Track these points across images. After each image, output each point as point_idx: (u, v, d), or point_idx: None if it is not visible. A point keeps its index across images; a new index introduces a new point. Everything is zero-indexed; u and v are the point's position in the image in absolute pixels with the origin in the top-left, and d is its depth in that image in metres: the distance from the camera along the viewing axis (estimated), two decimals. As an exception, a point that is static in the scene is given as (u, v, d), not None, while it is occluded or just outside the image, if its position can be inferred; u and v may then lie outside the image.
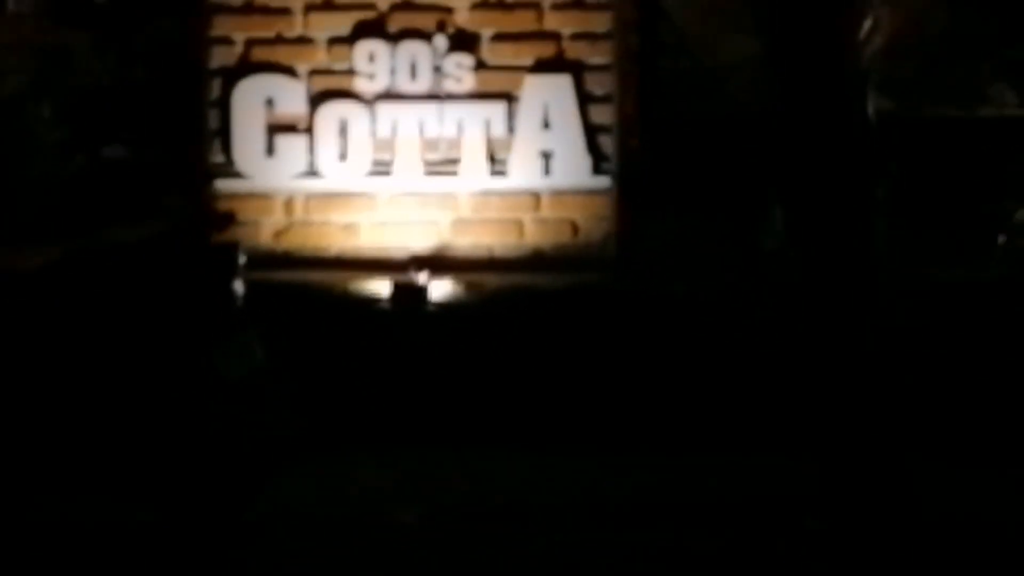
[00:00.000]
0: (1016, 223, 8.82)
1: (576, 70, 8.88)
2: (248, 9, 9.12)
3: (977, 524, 6.59)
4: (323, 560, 6.29)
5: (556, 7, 8.94)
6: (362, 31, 8.88)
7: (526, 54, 8.85)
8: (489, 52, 8.82)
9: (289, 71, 8.93)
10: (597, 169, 8.86)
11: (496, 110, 8.81)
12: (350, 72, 8.91)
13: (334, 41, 8.89)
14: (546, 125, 8.84)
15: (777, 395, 7.44)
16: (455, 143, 8.85)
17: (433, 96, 8.82)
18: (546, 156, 8.84)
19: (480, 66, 8.82)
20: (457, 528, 6.72)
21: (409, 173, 8.91)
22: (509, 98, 8.80)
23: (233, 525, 6.40)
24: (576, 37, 8.88)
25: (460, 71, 8.82)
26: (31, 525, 6.40)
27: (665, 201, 9.42)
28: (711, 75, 11.57)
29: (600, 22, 9.06)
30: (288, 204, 8.92)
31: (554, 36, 8.85)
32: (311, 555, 6.32)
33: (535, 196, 8.89)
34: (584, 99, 8.85)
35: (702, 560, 6.23)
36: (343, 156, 8.95)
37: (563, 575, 6.23)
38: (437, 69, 8.84)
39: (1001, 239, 8.85)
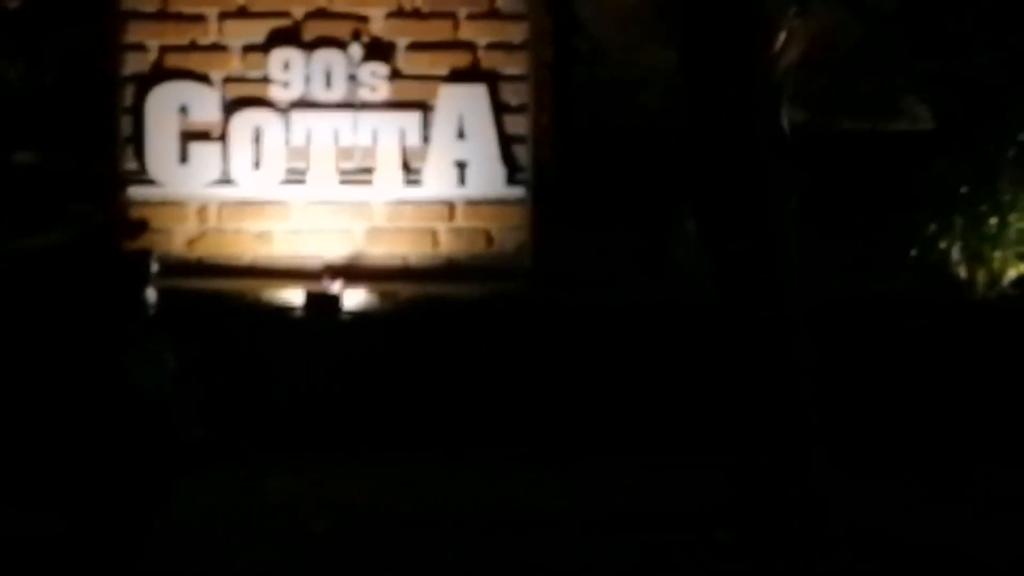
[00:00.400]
0: (928, 236, 8.97)
1: (491, 80, 9.03)
2: (162, 16, 9.20)
3: (881, 535, 6.68)
4: (233, 570, 6.23)
5: (472, 17, 9.10)
6: (277, 39, 8.98)
7: (442, 64, 8.98)
8: (404, 61, 8.97)
9: (203, 78, 9.01)
10: (512, 179, 9.01)
11: (411, 120, 8.93)
12: (265, 80, 9.03)
13: (248, 49, 8.98)
14: (461, 135, 9.00)
15: (687, 404, 7.82)
16: (370, 152, 8.98)
17: (348, 105, 8.96)
18: (461, 166, 9.01)
19: (395, 75, 8.96)
20: (366, 538, 6.68)
21: (323, 182, 9.03)
22: (424, 108, 8.94)
23: (143, 534, 6.15)
24: (491, 47, 9.02)
25: (375, 80, 8.94)
26: None
27: (580, 212, 9.59)
28: (626, 87, 11.62)
29: (516, 32, 9.20)
30: (201, 212, 9.02)
31: (469, 46, 9.00)
32: (221, 564, 6.26)
33: (449, 206, 9.03)
34: (499, 109, 9.01)
35: (612, 570, 6.24)
36: (257, 164, 9.04)
37: None
38: (352, 78, 8.96)
39: (913, 252, 8.97)
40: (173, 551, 6.24)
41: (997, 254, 8.87)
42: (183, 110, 8.99)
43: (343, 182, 9.06)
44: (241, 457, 7.37)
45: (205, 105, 9.01)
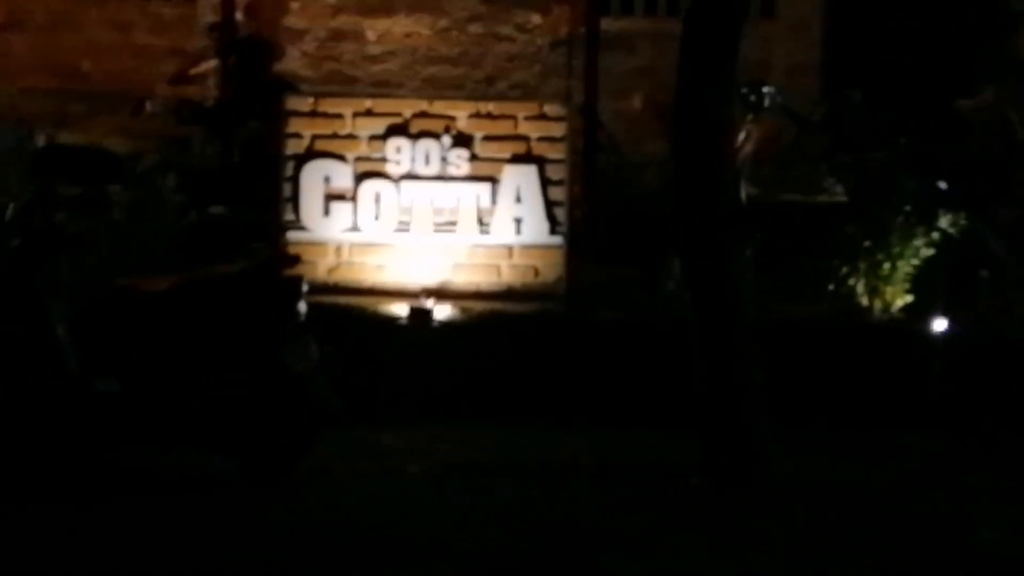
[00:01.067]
0: (840, 276, 9.40)
1: (540, 163, 9.53)
2: (313, 114, 9.75)
3: (806, 477, 7.47)
4: (354, 497, 6.95)
5: (527, 118, 9.66)
6: (392, 131, 9.51)
7: (506, 150, 9.50)
8: (480, 148, 9.48)
9: (341, 158, 9.52)
10: (553, 231, 9.56)
11: (484, 189, 9.49)
12: (383, 159, 9.53)
13: (372, 137, 9.50)
14: (518, 200, 9.53)
15: (672, 390, 8.03)
16: (455, 210, 9.52)
17: (440, 177, 9.46)
18: (518, 221, 9.54)
19: (473, 158, 9.48)
20: (445, 477, 7.41)
21: (422, 230, 9.57)
22: (493, 180, 9.49)
23: (289, 470, 7.16)
24: (540, 139, 9.55)
25: (459, 161, 9.45)
26: (158, 469, 7.21)
27: (599, 254, 10.31)
28: (633, 167, 12.45)
29: (557, 129, 9.73)
30: (337, 250, 9.55)
31: (525, 138, 9.56)
32: (344, 492, 7.00)
33: (509, 249, 9.60)
34: (545, 182, 9.51)
35: (621, 505, 6.85)
36: (376, 217, 9.56)
37: (516, 511, 6.76)
38: (443, 159, 9.47)
39: (831, 287, 9.45)
40: (312, 483, 7.08)
41: (889, 289, 9.24)
42: (326, 179, 9.51)
43: (436, 231, 9.57)
44: (361, 421, 7.71)
45: (341, 176, 9.52)
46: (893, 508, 7.03)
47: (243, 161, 10.48)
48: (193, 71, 13.93)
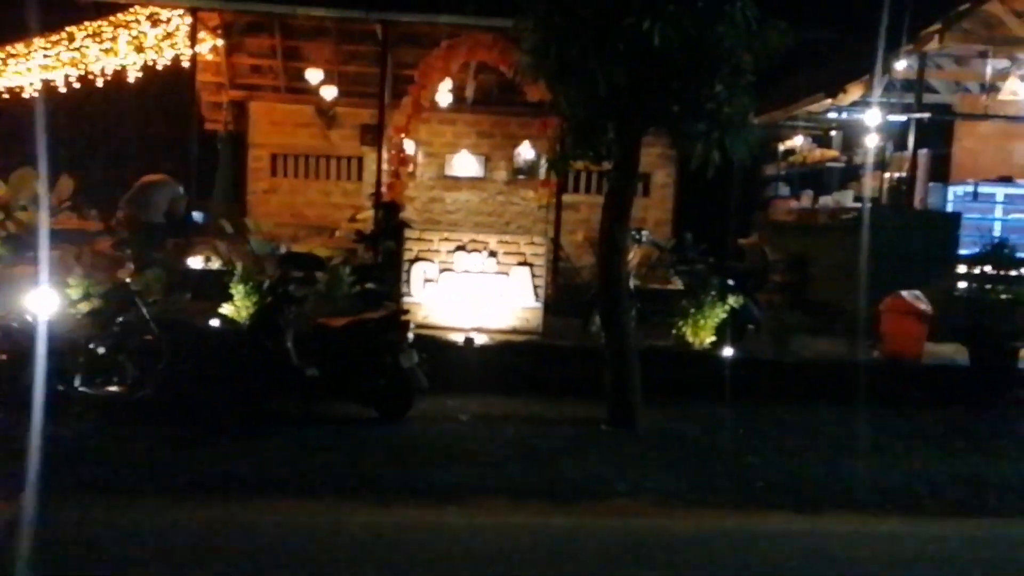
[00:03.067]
0: (679, 326, 9.09)
1: (531, 266, 9.36)
2: (418, 239, 9.52)
3: (662, 428, 7.33)
4: (432, 429, 7.03)
5: (525, 244, 9.49)
6: (457, 249, 9.31)
7: (514, 260, 9.32)
8: (501, 258, 9.29)
9: (431, 261, 9.32)
10: (536, 300, 9.32)
11: (503, 279, 9.30)
12: (452, 263, 9.29)
13: (447, 252, 9.33)
14: (519, 284, 9.31)
15: (591, 375, 7.67)
16: (488, 289, 9.27)
17: (481, 272, 9.28)
18: (519, 295, 9.31)
19: (497, 263, 9.30)
20: (478, 421, 7.38)
21: (471, 298, 9.26)
22: (507, 274, 9.30)
23: (404, 417, 7.22)
24: (531, 254, 9.38)
25: (491, 264, 9.28)
26: (338, 414, 7.31)
27: (559, 312, 9.99)
28: (576, 270, 12.58)
29: (540, 249, 9.57)
30: (427, 307, 9.28)
31: (523, 254, 9.34)
32: (428, 427, 7.06)
33: (514, 309, 9.30)
34: (533, 276, 9.32)
35: (565, 436, 6.95)
36: (448, 292, 9.31)
37: (511, 438, 6.90)
38: (483, 264, 9.31)
39: (673, 332, 9.16)
40: (413, 422, 7.18)
41: (702, 333, 8.85)
42: (424, 273, 9.28)
43: (477, 299, 9.26)
44: (436, 393, 7.62)
45: (431, 271, 9.31)
46: (703, 442, 7.06)
47: (383, 262, 10.36)
48: (359, 216, 14.53)
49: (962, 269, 9.28)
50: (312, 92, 15.54)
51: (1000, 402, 8.54)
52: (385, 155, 13.42)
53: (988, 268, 8.70)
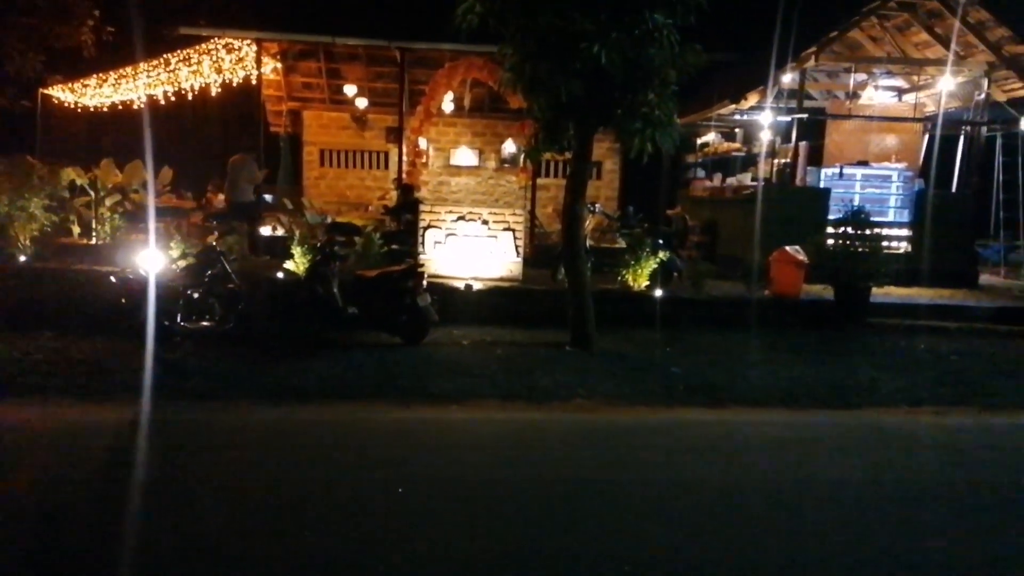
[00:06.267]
0: (622, 275, 8.78)
1: (513, 231, 9.05)
2: (430, 212, 9.24)
3: (610, 349, 7.12)
4: (442, 351, 6.80)
5: (510, 215, 9.16)
6: (459, 219, 9.02)
7: (501, 226, 9.01)
8: (492, 226, 8.98)
9: (439, 228, 9.07)
10: (517, 256, 8.98)
11: (493, 241, 8.99)
12: (455, 230, 8.98)
13: (451, 221, 9.04)
14: (505, 245, 9.00)
15: (559, 311, 7.47)
16: (483, 248, 8.95)
17: (477, 236, 8.97)
18: (504, 253, 9.01)
19: (489, 229, 9.03)
20: (476, 345, 7.10)
21: (469, 255, 8.97)
22: (496, 238, 8.99)
23: (420, 343, 6.99)
24: (515, 223, 9.02)
25: (483, 230, 8.99)
26: (369, 341, 7.14)
27: (534, 265, 9.81)
28: (547, 234, 12.03)
29: (521, 219, 9.20)
30: (437, 263, 8.94)
31: (508, 222, 9.01)
32: (438, 350, 6.83)
33: (502, 263, 8.98)
34: (515, 239, 8.98)
35: (538, 356, 6.71)
36: (453, 251, 9.03)
37: (502, 358, 6.65)
38: (478, 230, 9.00)
39: (619, 279, 8.81)
40: (427, 346, 6.95)
41: (640, 279, 8.60)
42: (434, 236, 8.99)
43: (474, 256, 8.99)
44: (445, 325, 7.50)
45: (439, 235, 9.03)
46: (640, 358, 6.87)
47: (404, 229, 10.05)
48: (385, 196, 14.39)
49: (830, 230, 9.16)
50: (349, 103, 15.51)
51: (856, 326, 8.51)
52: (404, 150, 13.39)
53: (849, 229, 8.62)
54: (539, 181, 13.70)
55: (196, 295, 6.96)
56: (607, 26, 5.99)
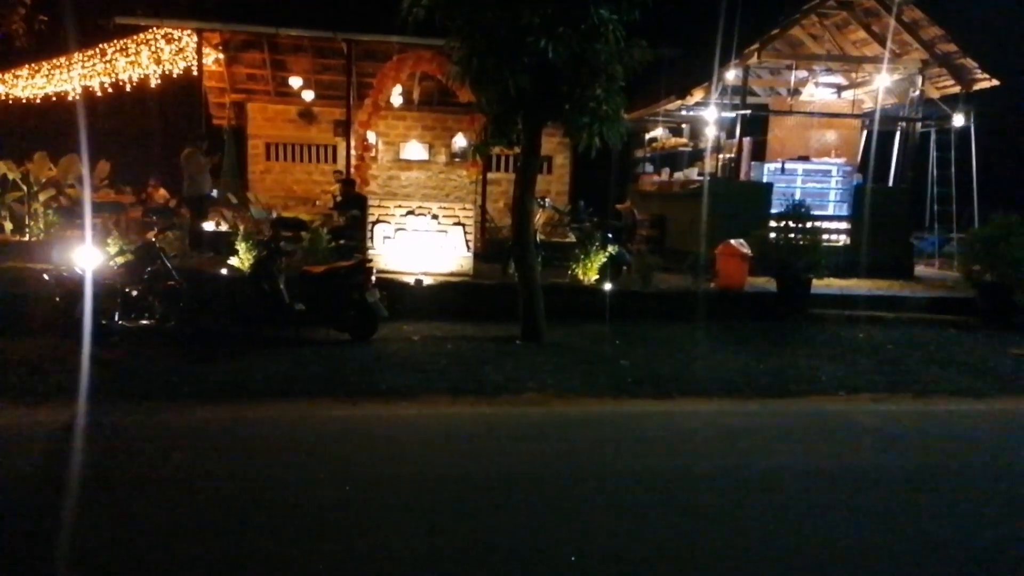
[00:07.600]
0: (572, 269, 8.84)
1: (463, 226, 9.03)
2: (379, 206, 9.15)
3: (559, 341, 7.18)
4: (391, 347, 6.72)
5: (460, 210, 9.12)
6: (408, 213, 8.98)
7: (452, 221, 9.02)
8: (442, 221, 8.98)
9: (387, 223, 9.00)
10: (468, 250, 8.99)
11: (443, 236, 8.96)
12: (405, 225, 8.95)
13: (401, 215, 8.92)
14: (455, 240, 9.00)
15: (510, 305, 7.54)
16: (433, 243, 8.93)
17: (427, 231, 8.97)
18: (455, 247, 9.01)
19: (439, 224, 8.99)
20: (426, 341, 7.00)
21: (419, 250, 8.95)
22: (446, 233, 8.97)
23: (370, 339, 6.93)
24: (465, 217, 9.02)
25: (434, 225, 8.96)
26: (317, 337, 6.98)
27: (485, 259, 9.92)
28: (498, 228, 12.00)
29: (471, 214, 9.20)
30: (385, 258, 8.94)
31: (458, 217, 9.02)
32: (388, 346, 6.75)
33: (453, 258, 8.97)
34: (466, 234, 9.01)
35: (488, 350, 6.74)
36: (402, 245, 8.93)
37: (452, 352, 6.61)
38: (428, 224, 9.01)
39: (569, 272, 8.81)
40: (376, 343, 6.88)
41: (589, 273, 8.65)
42: (383, 231, 8.93)
43: (424, 251, 8.96)
44: (395, 320, 7.44)
45: (388, 230, 8.96)
46: (589, 351, 6.82)
47: (350, 224, 9.94)
48: (330, 190, 14.21)
49: (773, 224, 9.15)
50: (295, 95, 15.28)
51: (798, 316, 8.64)
52: (352, 143, 13.21)
53: (791, 223, 8.75)
54: (490, 176, 13.65)
55: (135, 293, 6.79)
56: (554, 20, 5.97)
